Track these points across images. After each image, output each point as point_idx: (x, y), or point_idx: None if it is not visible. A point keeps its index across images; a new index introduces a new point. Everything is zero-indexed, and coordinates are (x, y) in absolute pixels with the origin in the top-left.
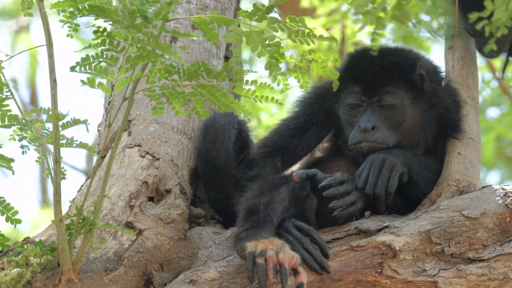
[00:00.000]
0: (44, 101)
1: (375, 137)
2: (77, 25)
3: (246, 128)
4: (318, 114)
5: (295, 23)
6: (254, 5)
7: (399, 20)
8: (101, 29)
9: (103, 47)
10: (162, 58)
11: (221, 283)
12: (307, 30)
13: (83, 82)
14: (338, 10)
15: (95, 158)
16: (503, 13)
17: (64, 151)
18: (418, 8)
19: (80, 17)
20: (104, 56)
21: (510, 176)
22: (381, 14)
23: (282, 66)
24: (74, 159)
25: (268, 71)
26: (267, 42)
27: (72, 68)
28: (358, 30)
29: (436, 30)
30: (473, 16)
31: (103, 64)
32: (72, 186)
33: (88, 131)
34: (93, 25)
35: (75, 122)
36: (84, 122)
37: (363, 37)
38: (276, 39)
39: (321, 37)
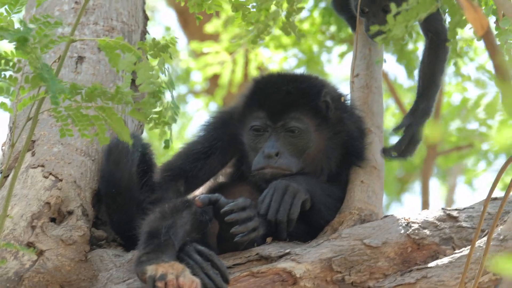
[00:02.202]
0: None
1: (279, 163)
2: None
3: (149, 151)
4: (222, 139)
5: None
6: (153, 39)
7: (285, 31)
8: None
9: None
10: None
11: None
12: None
13: None
14: (241, 35)
15: None
16: (401, 30)
17: None
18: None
19: None
20: (3, 76)
21: (398, 196)
22: (270, 23)
23: None
24: None
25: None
26: (151, 79)
27: None
28: (246, 37)
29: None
30: (374, 28)
31: (3, 85)
32: None
33: None
34: None
35: None
36: None
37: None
38: (160, 80)
39: (196, 96)
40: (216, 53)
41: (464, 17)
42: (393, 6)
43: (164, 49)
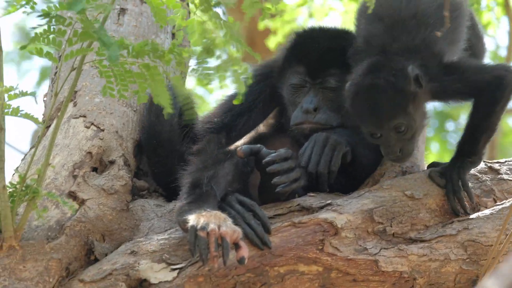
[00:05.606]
0: None
1: (317, 119)
2: (35, 2)
3: (191, 102)
4: (263, 92)
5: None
6: None
7: None
8: (44, 13)
9: (50, 24)
10: (106, 39)
11: (162, 255)
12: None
13: (30, 52)
14: None
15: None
16: None
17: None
18: None
19: None
20: (52, 29)
21: None
22: None
23: None
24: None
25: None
26: (204, 34)
27: (23, 47)
28: None
29: None
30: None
31: (51, 36)
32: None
33: (37, 102)
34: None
35: (23, 94)
36: (32, 94)
37: None
38: (214, 35)
39: (245, 46)
40: None
41: None
42: None
43: (217, 5)
